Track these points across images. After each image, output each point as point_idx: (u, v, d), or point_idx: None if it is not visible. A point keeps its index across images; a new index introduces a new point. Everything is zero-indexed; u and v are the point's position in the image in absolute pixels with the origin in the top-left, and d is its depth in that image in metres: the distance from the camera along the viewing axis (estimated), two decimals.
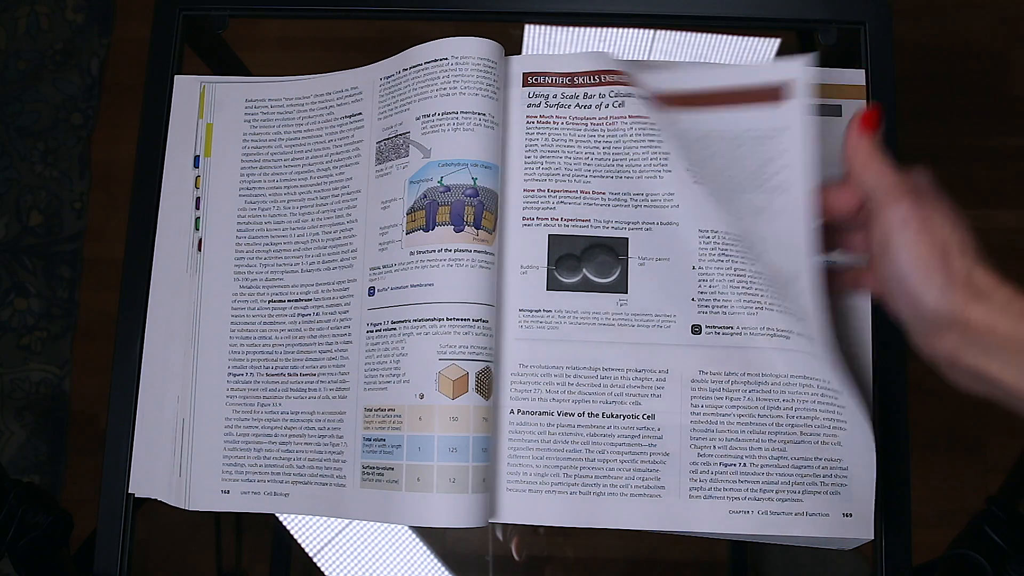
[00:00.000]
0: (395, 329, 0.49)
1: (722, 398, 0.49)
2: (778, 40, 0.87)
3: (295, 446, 0.51)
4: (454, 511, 0.46)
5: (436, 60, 0.50)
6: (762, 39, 0.87)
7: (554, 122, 0.52)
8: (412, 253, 0.49)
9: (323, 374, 0.51)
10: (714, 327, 0.49)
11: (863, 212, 0.44)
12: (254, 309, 0.53)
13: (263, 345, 0.53)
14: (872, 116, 0.43)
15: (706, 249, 0.49)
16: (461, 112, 0.49)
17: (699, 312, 0.49)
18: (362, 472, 0.49)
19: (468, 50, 0.50)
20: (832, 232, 0.47)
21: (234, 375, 0.52)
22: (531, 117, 0.52)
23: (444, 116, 0.49)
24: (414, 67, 0.51)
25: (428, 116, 0.50)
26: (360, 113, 0.54)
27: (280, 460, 0.51)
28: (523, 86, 0.52)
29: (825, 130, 0.52)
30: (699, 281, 0.49)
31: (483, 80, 0.50)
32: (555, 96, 0.52)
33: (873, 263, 0.43)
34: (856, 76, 0.53)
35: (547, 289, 0.50)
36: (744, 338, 0.48)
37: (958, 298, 0.38)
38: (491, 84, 0.50)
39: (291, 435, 0.51)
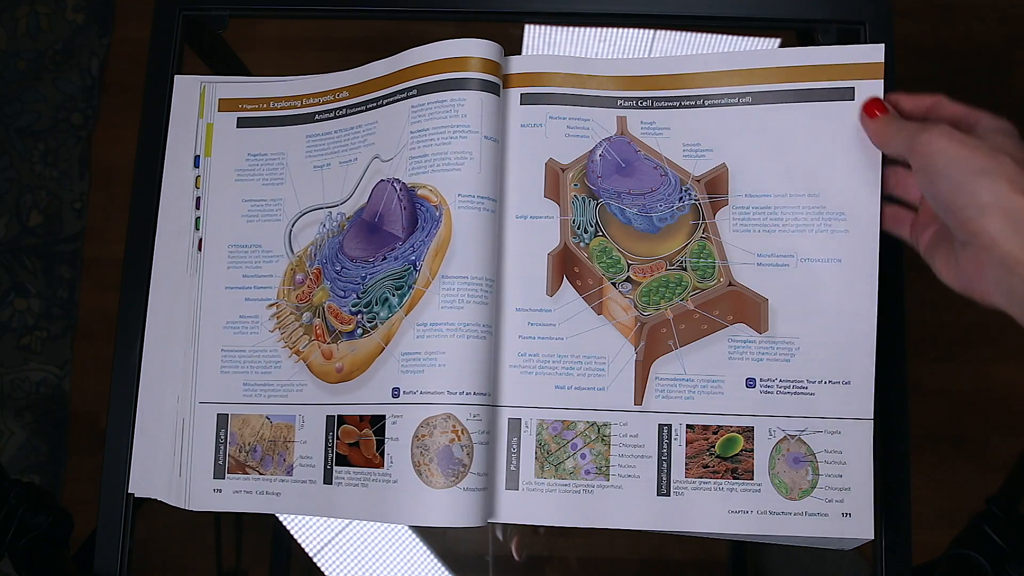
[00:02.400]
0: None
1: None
2: (778, 40, 0.87)
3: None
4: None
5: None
6: (762, 39, 0.87)
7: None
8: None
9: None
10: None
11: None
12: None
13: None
14: (873, 103, 0.47)
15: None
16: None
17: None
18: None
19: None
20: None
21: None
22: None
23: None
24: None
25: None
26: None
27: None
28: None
29: (836, 115, 0.50)
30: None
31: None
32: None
33: (920, 185, 0.44)
34: (874, 52, 0.50)
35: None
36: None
37: (1014, 192, 0.39)
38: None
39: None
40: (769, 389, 0.49)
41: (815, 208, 0.50)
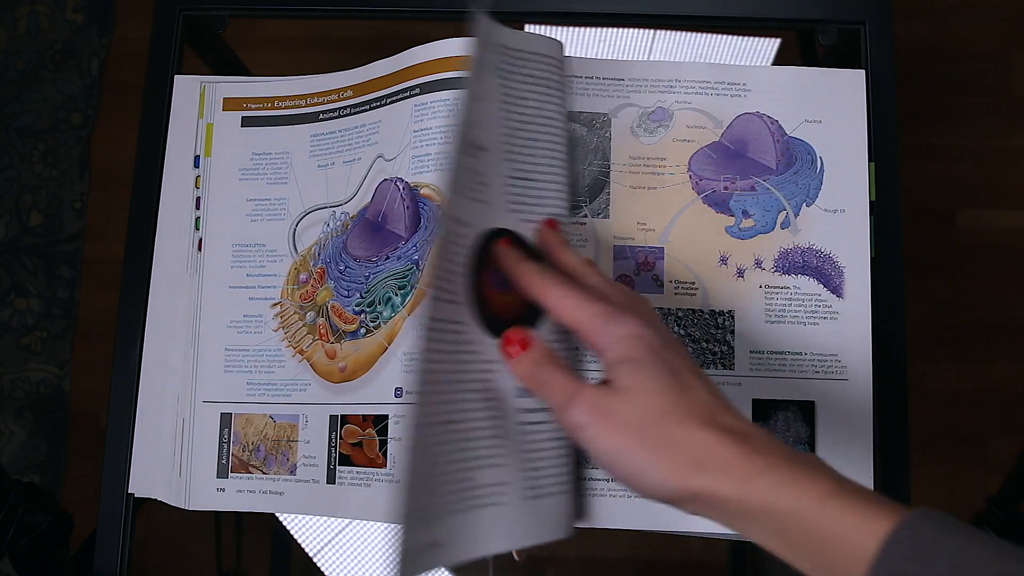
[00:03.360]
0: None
1: None
2: (778, 40, 0.87)
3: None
4: None
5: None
6: (762, 39, 0.87)
7: None
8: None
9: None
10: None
11: None
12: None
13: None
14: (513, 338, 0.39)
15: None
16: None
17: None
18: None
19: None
20: None
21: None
22: None
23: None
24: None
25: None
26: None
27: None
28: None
29: None
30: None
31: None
32: None
33: None
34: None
35: None
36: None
37: (676, 477, 0.32)
38: None
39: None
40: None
41: None
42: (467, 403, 0.39)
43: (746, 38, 0.87)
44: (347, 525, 0.82)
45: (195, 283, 0.54)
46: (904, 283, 0.52)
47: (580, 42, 0.78)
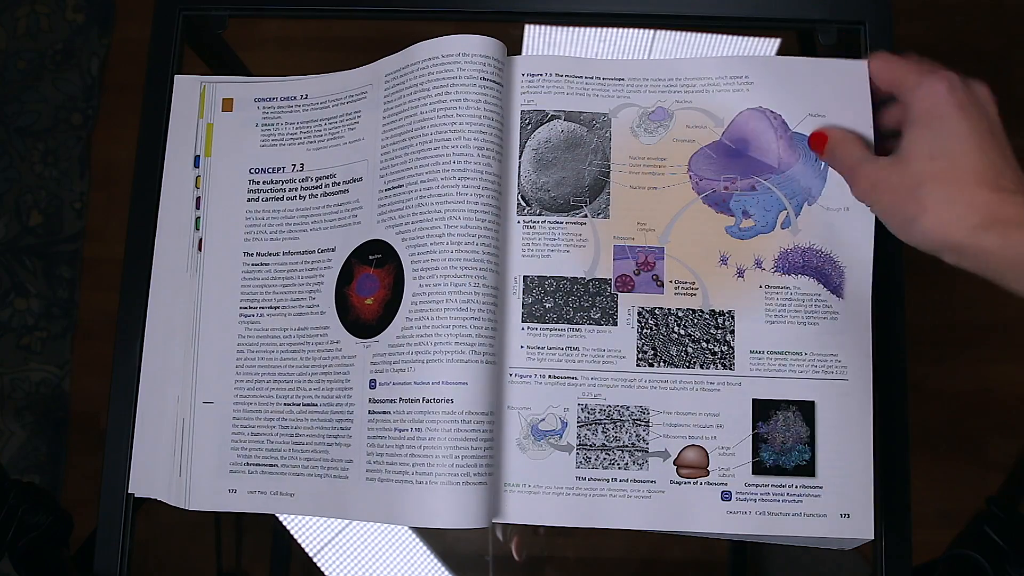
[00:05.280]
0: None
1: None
2: (778, 40, 0.87)
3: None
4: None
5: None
6: (762, 39, 0.87)
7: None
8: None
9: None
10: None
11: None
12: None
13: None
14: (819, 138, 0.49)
15: None
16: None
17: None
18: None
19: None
20: None
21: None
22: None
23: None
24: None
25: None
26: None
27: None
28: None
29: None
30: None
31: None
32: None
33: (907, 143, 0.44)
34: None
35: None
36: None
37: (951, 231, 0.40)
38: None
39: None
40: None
41: None
42: (324, 391, 0.50)
43: (746, 38, 0.87)
44: (347, 525, 0.82)
45: (195, 283, 0.54)
46: (904, 283, 0.52)
47: (580, 42, 0.78)
